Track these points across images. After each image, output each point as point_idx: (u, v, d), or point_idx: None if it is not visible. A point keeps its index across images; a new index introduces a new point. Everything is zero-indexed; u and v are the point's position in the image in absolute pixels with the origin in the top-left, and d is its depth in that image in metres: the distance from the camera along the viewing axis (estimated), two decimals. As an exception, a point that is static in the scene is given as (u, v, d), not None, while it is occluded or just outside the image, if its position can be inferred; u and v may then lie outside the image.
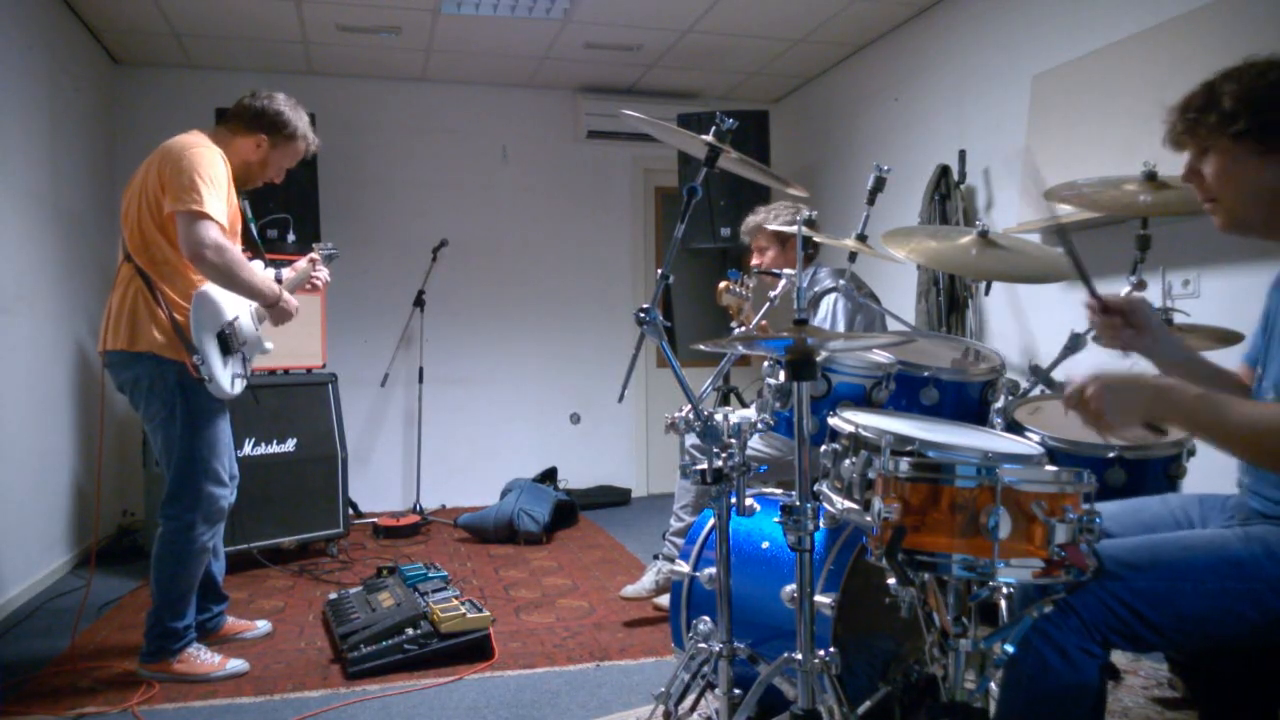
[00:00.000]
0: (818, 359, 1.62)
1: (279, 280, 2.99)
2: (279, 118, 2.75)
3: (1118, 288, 2.62)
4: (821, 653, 1.63)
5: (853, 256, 2.76)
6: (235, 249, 2.61)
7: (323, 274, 3.01)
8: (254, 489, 3.75)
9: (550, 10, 4.44)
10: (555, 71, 5.43)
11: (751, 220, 3.36)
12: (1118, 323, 1.67)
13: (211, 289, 2.64)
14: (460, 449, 5.60)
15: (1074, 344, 2.22)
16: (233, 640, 2.99)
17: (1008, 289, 3.92)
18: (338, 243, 3.17)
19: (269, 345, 2.91)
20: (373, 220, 5.47)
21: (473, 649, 2.80)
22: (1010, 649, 1.35)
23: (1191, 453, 2.00)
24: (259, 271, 2.71)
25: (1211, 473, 1.87)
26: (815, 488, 1.71)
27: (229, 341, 2.67)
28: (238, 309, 2.73)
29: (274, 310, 2.76)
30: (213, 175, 2.54)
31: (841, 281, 2.90)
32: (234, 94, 2.82)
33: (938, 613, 1.41)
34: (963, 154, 4.13)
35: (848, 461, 1.60)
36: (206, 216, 2.49)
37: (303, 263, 2.98)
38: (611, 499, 5.63)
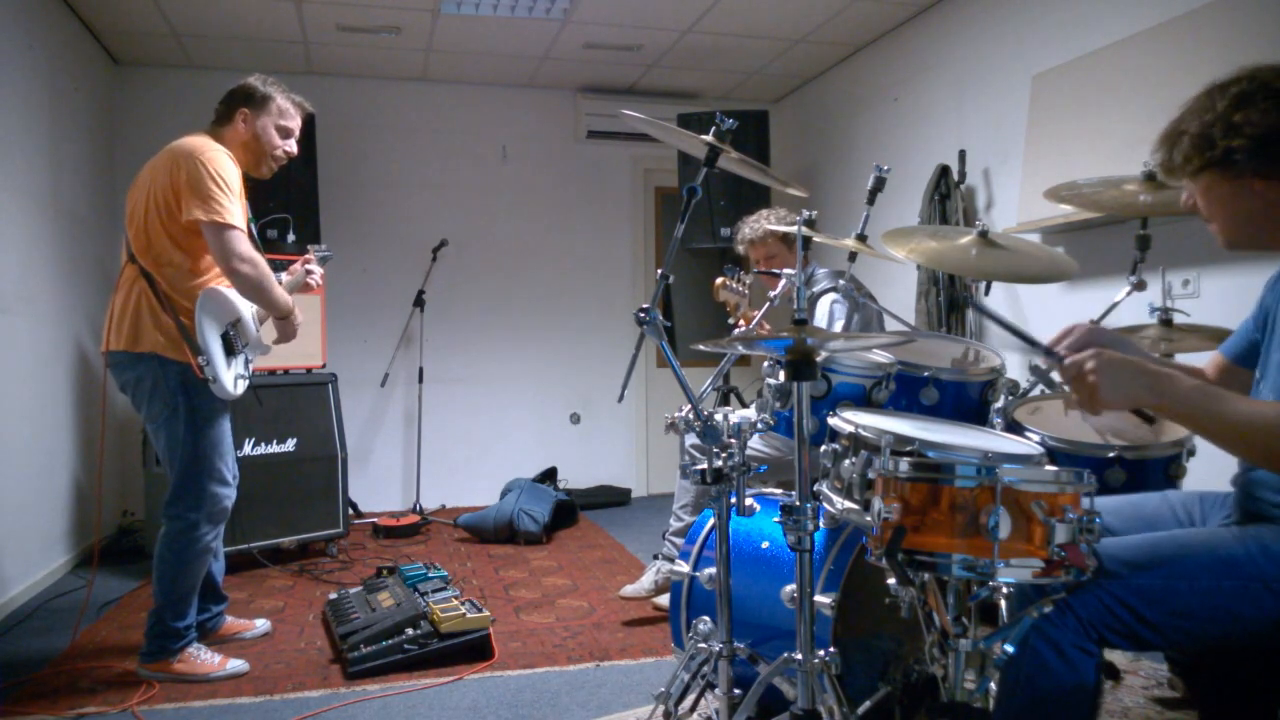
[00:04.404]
0: (818, 359, 1.62)
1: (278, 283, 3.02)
2: (244, 88, 2.76)
3: (1118, 288, 2.64)
4: (821, 653, 1.63)
5: (853, 256, 2.76)
6: (265, 263, 2.65)
7: (316, 273, 3.03)
8: (254, 489, 3.75)
9: (550, 10, 4.44)
10: (555, 71, 5.43)
11: (748, 231, 3.28)
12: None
13: (216, 288, 2.65)
14: (460, 449, 5.60)
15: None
16: (232, 640, 2.99)
17: (1008, 289, 3.93)
18: (338, 242, 3.19)
19: (269, 345, 2.92)
20: (373, 220, 5.47)
21: (473, 649, 2.81)
22: (1010, 649, 1.35)
23: (1191, 453, 2.01)
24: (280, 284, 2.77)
25: (1211, 473, 1.87)
26: (815, 488, 1.71)
27: (233, 342, 2.68)
28: (240, 309, 2.74)
29: (284, 323, 2.81)
30: (229, 180, 2.59)
31: (841, 282, 2.90)
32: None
33: (938, 613, 1.41)
34: (963, 154, 4.13)
35: (848, 461, 1.60)
36: (234, 228, 2.55)
37: (298, 266, 3.01)
38: (611, 499, 5.63)
